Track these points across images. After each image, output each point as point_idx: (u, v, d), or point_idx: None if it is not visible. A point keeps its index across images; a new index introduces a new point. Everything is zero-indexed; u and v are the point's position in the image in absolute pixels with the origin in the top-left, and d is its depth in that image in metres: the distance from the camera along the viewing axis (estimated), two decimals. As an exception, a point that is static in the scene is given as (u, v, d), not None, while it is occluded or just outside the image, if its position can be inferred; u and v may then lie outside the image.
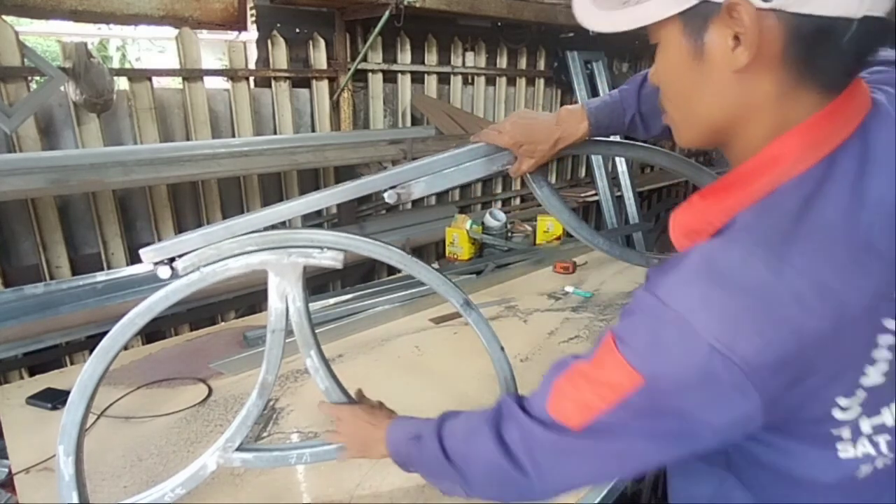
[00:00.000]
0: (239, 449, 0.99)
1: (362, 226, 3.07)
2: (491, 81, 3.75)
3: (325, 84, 2.91)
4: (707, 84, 0.57)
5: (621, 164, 3.98)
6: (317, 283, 3.00)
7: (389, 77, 3.19)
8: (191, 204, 2.65)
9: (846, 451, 0.62)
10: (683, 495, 0.79)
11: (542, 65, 4.00)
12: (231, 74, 2.59)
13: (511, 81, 3.86)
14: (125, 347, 0.93)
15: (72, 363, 2.26)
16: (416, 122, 3.35)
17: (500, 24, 3.54)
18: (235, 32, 2.66)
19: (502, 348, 1.06)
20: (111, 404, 1.37)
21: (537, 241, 2.91)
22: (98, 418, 1.31)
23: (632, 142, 1.18)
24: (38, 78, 2.12)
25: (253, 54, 2.69)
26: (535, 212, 3.61)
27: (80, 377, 0.89)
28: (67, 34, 2.86)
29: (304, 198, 0.97)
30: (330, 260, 0.94)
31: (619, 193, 3.97)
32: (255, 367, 1.57)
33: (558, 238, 2.85)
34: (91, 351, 0.89)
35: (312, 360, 1.01)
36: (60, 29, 2.88)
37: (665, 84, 0.64)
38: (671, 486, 0.82)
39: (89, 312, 2.16)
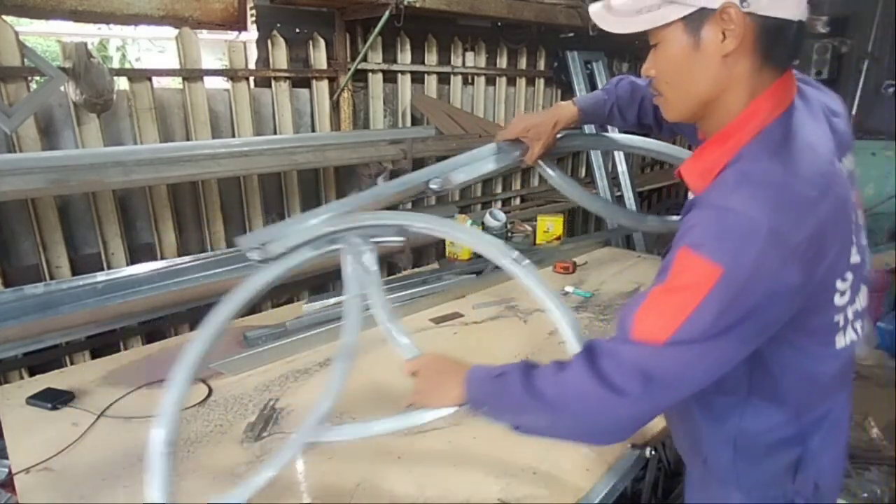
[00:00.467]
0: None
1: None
2: (491, 81, 3.74)
3: (325, 84, 2.91)
4: (701, 67, 0.80)
5: (621, 164, 3.98)
6: (317, 283, 3.00)
7: (389, 77, 3.19)
8: (191, 204, 2.65)
9: (840, 341, 0.83)
10: (714, 440, 0.91)
11: (542, 65, 3.99)
12: (231, 74, 2.59)
13: (511, 81, 3.85)
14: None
15: (72, 363, 2.26)
16: (416, 122, 3.35)
17: (500, 24, 3.54)
18: (235, 32, 2.66)
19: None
20: (111, 404, 1.37)
21: (537, 241, 2.91)
22: (98, 418, 1.31)
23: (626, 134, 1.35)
24: (38, 78, 2.11)
25: (253, 54, 2.69)
26: (535, 212, 3.61)
27: (185, 354, 0.93)
28: (67, 34, 2.86)
29: (357, 195, 1.18)
30: (392, 237, 1.12)
31: (619, 193, 3.97)
32: (255, 367, 1.57)
33: (558, 238, 2.85)
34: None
35: (388, 324, 1.16)
36: (60, 29, 2.88)
37: (663, 72, 0.84)
38: (701, 435, 0.93)
39: (89, 312, 2.16)
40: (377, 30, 2.68)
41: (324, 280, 3.03)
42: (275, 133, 2.81)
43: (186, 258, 2.49)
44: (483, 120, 3.52)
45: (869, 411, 2.35)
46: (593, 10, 0.87)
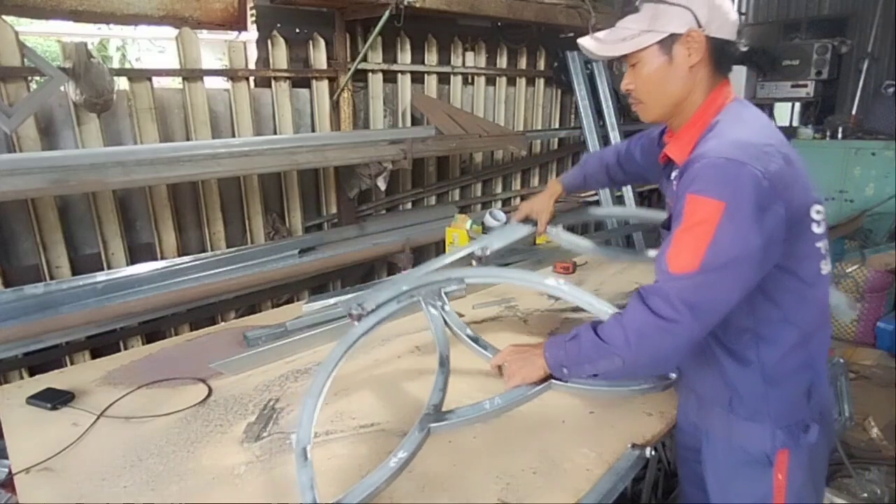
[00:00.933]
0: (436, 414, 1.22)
1: (362, 225, 3.07)
2: (491, 81, 3.75)
3: (325, 84, 2.91)
4: (675, 77, 1.08)
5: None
6: (317, 283, 3.00)
7: (389, 77, 3.19)
8: (191, 204, 2.65)
9: (825, 267, 1.05)
10: (745, 379, 1.06)
11: (542, 65, 4.00)
12: (231, 74, 2.59)
13: (511, 81, 3.86)
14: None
15: (72, 363, 2.26)
16: (416, 121, 3.35)
17: (500, 24, 3.54)
18: (235, 32, 2.66)
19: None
20: (111, 404, 1.36)
21: (537, 241, 2.91)
22: (98, 418, 1.31)
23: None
24: (38, 78, 2.12)
25: (253, 54, 2.69)
26: (535, 212, 3.61)
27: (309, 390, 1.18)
28: (67, 34, 2.86)
29: (427, 265, 1.68)
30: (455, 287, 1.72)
31: (618, 194, 3.97)
32: (255, 367, 1.57)
33: (558, 238, 2.85)
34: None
35: (467, 340, 1.53)
36: (60, 29, 2.88)
37: (643, 83, 1.10)
38: (731, 377, 1.08)
39: (89, 312, 2.16)
40: (377, 30, 2.68)
41: (324, 280, 3.03)
42: (275, 133, 2.81)
43: (186, 258, 2.49)
44: (483, 120, 3.52)
45: (869, 411, 2.35)
46: (583, 41, 1.11)
